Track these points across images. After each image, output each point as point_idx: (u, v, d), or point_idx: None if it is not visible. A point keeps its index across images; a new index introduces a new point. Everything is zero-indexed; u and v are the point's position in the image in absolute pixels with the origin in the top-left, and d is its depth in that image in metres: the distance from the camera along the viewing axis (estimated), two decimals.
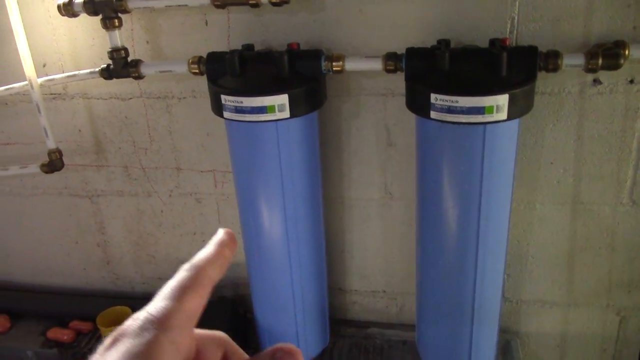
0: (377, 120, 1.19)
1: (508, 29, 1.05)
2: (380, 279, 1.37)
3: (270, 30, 1.15)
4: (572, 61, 0.96)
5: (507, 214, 1.05)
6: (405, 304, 1.39)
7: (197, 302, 0.30)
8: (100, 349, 0.27)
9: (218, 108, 1.05)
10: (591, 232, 1.19)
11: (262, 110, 1.00)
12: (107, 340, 0.27)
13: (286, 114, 1.01)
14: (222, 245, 0.32)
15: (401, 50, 1.05)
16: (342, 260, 1.37)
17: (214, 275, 0.31)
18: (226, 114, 1.03)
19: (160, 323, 0.27)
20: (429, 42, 1.08)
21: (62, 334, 1.43)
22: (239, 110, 1.01)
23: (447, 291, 1.11)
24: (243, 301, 1.45)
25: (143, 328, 0.27)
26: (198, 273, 0.30)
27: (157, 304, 0.29)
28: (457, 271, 1.08)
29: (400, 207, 1.27)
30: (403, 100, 1.15)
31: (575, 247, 1.21)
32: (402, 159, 1.22)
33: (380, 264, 1.35)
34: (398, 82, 1.14)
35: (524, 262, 1.25)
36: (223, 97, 1.02)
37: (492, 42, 1.00)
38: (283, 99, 1.00)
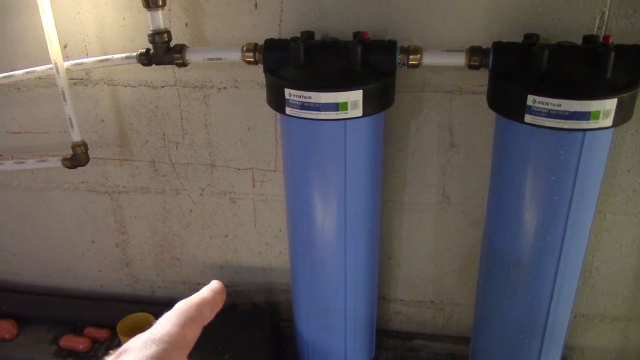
0: (440, 120, 1.09)
1: (596, 25, 0.96)
2: (428, 288, 1.28)
3: (328, 16, 1.04)
4: None
5: (589, 226, 0.97)
6: (454, 314, 1.30)
7: (195, 332, 0.32)
8: None
9: (278, 103, 0.94)
10: None
11: (332, 107, 0.89)
12: (112, 356, 0.29)
13: (358, 112, 0.90)
14: (216, 292, 0.35)
15: (477, 42, 0.95)
16: (388, 267, 1.27)
17: (207, 316, 0.34)
18: (289, 110, 0.92)
19: (162, 342, 0.29)
20: (507, 35, 0.99)
21: (77, 342, 1.31)
22: (305, 106, 0.90)
23: (518, 305, 1.03)
24: (276, 308, 1.35)
25: (146, 344, 0.29)
26: (199, 308, 0.33)
27: (159, 327, 0.31)
28: (534, 285, 0.99)
29: (457, 213, 1.18)
30: (472, 98, 1.07)
31: None
32: (463, 162, 1.12)
33: (430, 273, 1.26)
34: (468, 78, 1.04)
35: (587, 275, 1.18)
36: (287, 91, 0.90)
37: (588, 38, 0.91)
38: (357, 95, 0.89)
